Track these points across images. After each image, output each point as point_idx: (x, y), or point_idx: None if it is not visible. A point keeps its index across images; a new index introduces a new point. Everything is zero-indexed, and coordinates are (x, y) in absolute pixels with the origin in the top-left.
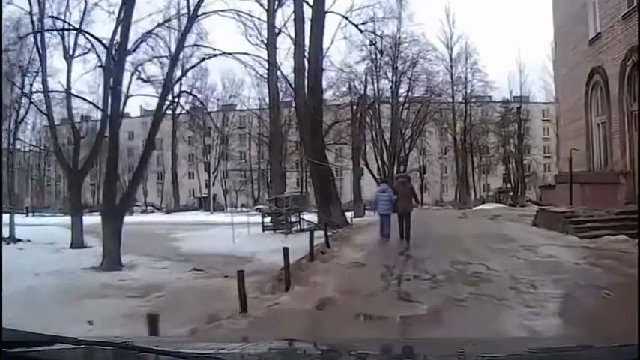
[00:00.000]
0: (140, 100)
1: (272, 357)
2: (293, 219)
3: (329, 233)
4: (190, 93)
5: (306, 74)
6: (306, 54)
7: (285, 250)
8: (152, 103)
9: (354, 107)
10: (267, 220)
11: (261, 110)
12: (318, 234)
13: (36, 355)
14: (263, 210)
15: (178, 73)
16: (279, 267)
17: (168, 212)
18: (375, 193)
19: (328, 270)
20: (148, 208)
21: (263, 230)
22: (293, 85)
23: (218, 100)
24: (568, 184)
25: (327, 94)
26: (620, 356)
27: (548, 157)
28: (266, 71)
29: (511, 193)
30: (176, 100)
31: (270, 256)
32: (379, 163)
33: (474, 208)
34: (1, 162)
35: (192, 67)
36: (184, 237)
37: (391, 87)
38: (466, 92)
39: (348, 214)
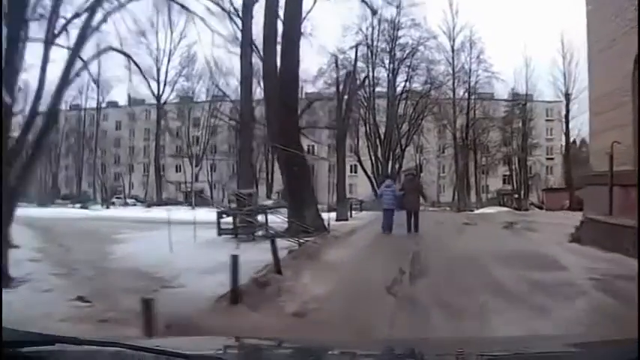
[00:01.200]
0: (128, 88)
1: (272, 356)
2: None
3: (291, 246)
4: (118, 50)
5: (279, 39)
6: (282, 15)
7: (147, 303)
8: (140, 92)
9: (340, 84)
10: (231, 220)
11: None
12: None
13: (36, 355)
14: (229, 209)
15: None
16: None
17: (149, 206)
18: (381, 189)
19: (255, 328)
20: (130, 200)
21: (219, 234)
22: (262, 53)
23: (208, 89)
24: (604, 186)
25: (319, 84)
26: (620, 356)
27: (551, 158)
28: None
29: (516, 196)
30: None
31: (200, 279)
32: (373, 159)
33: (476, 211)
34: (1, 159)
35: (106, 19)
36: (130, 239)
37: (388, 76)
38: (469, 84)
39: (329, 216)
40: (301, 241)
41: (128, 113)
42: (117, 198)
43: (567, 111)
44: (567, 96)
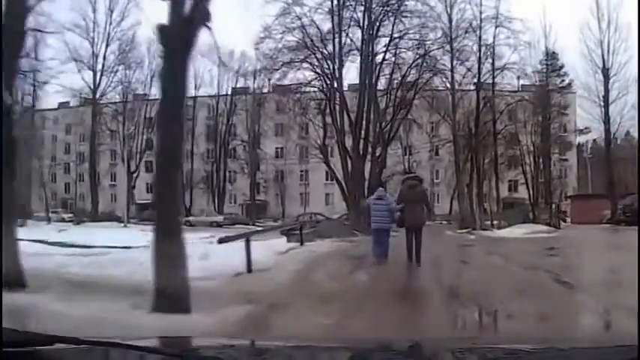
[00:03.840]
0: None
1: (272, 356)
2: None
3: None
4: None
5: None
6: None
7: None
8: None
9: None
10: None
11: (214, 98)
12: None
13: (36, 355)
14: None
15: None
16: None
17: (78, 223)
18: (368, 201)
19: None
20: (67, 216)
21: None
22: None
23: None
24: None
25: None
26: (620, 356)
27: (565, 159)
28: None
29: (554, 206)
30: None
31: None
32: (341, 155)
33: (498, 232)
34: (1, 165)
35: None
36: None
37: (362, 34)
38: (479, 47)
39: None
40: None
41: (79, 114)
42: (53, 212)
43: (607, 91)
44: (606, 72)
